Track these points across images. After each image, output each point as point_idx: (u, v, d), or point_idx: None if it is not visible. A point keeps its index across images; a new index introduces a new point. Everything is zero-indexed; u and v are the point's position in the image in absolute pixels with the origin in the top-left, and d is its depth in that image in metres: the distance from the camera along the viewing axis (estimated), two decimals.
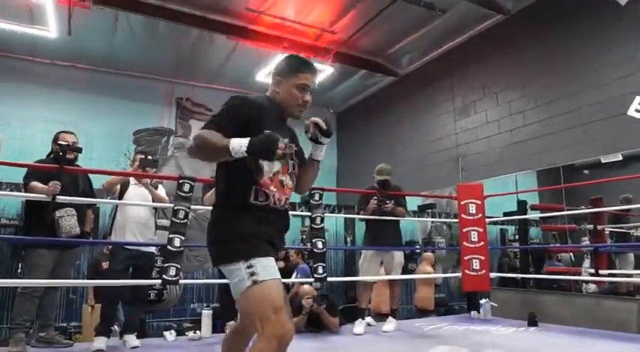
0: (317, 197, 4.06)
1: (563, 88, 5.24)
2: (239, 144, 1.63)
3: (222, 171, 1.89)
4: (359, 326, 4.35)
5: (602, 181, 4.63)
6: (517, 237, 6.57)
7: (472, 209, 4.82)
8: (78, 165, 3.77)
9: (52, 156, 3.69)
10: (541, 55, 5.56)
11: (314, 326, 4.25)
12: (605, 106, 4.76)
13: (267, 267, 1.72)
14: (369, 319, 4.87)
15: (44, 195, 3.26)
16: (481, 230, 4.82)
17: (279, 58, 6.49)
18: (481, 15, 6.11)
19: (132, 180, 3.94)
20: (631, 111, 4.50)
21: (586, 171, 5.18)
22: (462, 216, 4.88)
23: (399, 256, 4.68)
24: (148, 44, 6.96)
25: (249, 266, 1.69)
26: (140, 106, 7.98)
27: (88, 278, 5.90)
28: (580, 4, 5.17)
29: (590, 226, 5.18)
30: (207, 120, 1.81)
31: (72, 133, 3.77)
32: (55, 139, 3.68)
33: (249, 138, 1.64)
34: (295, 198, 8.85)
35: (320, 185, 3.98)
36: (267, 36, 6.53)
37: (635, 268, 4.97)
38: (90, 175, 3.93)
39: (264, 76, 7.30)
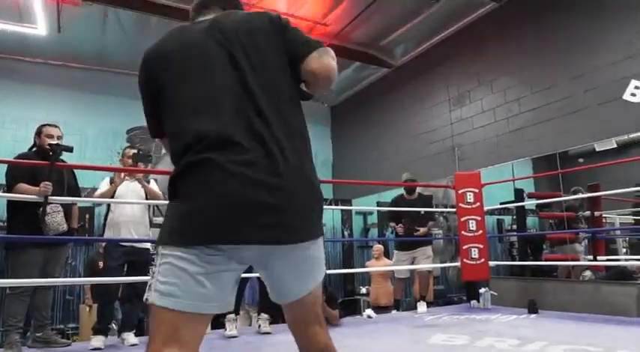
0: None
1: (559, 74, 5.22)
2: None
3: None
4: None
5: (599, 166, 4.58)
6: (514, 227, 6.56)
7: (470, 197, 4.79)
8: (63, 160, 3.58)
9: (34, 149, 3.56)
10: (536, 41, 5.53)
11: None
12: (601, 91, 4.74)
13: None
14: (369, 311, 4.88)
15: (35, 197, 3.18)
16: (479, 218, 4.80)
17: None
18: (474, 3, 6.08)
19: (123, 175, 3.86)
20: (626, 96, 4.48)
21: (581, 160, 5.16)
22: (460, 205, 4.85)
23: (429, 251, 5.40)
24: (139, 41, 6.85)
25: None
26: (133, 104, 7.76)
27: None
28: None
29: (588, 213, 5.18)
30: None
31: (56, 126, 3.63)
32: (39, 132, 3.55)
33: None
34: None
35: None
36: None
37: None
38: (81, 172, 3.84)
39: None
